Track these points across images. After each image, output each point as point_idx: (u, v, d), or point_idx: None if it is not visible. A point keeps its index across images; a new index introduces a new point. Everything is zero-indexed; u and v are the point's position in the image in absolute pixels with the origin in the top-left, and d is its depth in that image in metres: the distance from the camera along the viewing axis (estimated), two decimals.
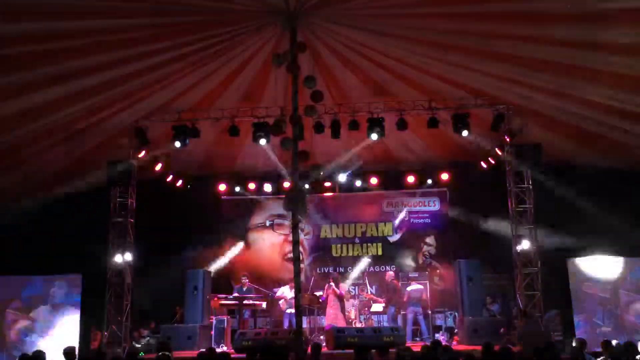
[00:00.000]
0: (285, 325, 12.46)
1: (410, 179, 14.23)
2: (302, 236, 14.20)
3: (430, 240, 14.62)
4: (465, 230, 13.57)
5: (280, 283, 13.74)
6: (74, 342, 11.48)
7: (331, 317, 12.19)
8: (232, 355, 8.24)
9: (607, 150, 11.90)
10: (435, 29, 8.95)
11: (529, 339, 9.59)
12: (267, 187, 14.59)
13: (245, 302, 12.09)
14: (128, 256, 11.58)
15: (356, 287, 14.10)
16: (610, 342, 7.16)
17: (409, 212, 14.85)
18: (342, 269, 14.43)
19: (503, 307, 13.04)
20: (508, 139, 11.41)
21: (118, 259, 11.44)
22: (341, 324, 11.95)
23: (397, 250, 14.65)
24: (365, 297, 13.25)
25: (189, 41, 9.13)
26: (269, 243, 15.09)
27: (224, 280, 14.06)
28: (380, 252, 14.71)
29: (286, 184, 13.58)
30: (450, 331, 12.52)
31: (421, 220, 14.84)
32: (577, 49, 8.80)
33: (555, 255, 11.87)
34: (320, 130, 11.25)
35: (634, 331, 11.40)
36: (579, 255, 11.73)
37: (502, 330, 11.25)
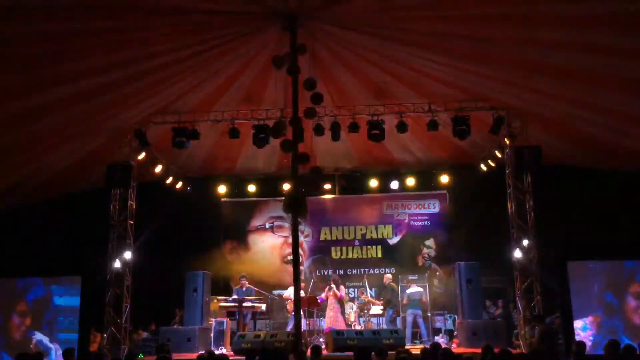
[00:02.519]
0: (290, 327, 12.44)
1: (410, 181, 14.24)
2: (301, 238, 14.21)
3: (429, 242, 14.62)
4: (465, 232, 13.57)
5: (280, 285, 13.74)
6: (73, 343, 11.51)
7: (331, 320, 12.20)
8: (231, 358, 8.25)
9: (606, 152, 11.90)
10: (435, 32, 8.95)
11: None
12: (267, 190, 14.60)
13: (244, 304, 12.10)
14: (128, 258, 11.59)
15: (355, 290, 14.10)
16: (614, 344, 7.11)
17: (409, 215, 14.86)
18: (341, 272, 14.43)
19: (503, 310, 13.04)
20: (508, 142, 11.42)
21: (118, 260, 11.44)
22: (341, 326, 11.95)
23: (396, 252, 14.66)
24: (364, 300, 13.25)
25: (189, 43, 9.14)
26: (268, 245, 15.09)
27: (223, 282, 14.06)
28: (379, 255, 14.71)
29: (286, 186, 13.58)
30: (449, 334, 12.52)
31: (421, 223, 14.84)
32: (576, 52, 8.80)
33: (555, 258, 11.86)
34: (321, 132, 11.26)
35: None
36: (580, 259, 11.73)
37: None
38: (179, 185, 13.94)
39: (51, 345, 11.90)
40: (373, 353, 7.05)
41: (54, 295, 12.33)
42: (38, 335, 12.07)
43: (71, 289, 12.20)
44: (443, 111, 11.16)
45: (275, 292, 13.91)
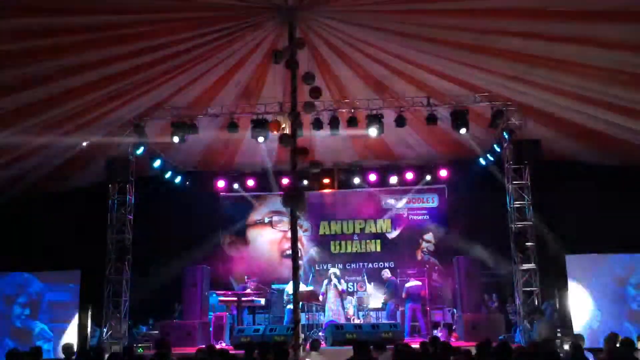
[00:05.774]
0: (285, 321, 12.48)
1: (409, 175, 14.22)
2: (300, 233, 14.22)
3: (428, 236, 14.63)
4: (464, 226, 13.58)
5: (279, 280, 13.77)
6: (73, 338, 11.52)
7: (332, 314, 12.22)
8: (231, 352, 8.26)
9: (605, 146, 11.90)
10: (435, 25, 8.93)
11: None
12: (266, 184, 14.59)
13: (243, 298, 12.12)
14: (127, 252, 11.59)
15: (354, 284, 14.12)
16: (613, 338, 7.12)
17: (408, 209, 14.86)
18: (340, 266, 14.44)
19: (500, 304, 13.07)
20: (507, 136, 11.41)
21: (117, 255, 11.45)
22: (342, 320, 11.99)
23: (395, 246, 14.67)
24: (366, 293, 13.26)
25: (187, 37, 9.11)
26: (267, 239, 15.10)
27: (222, 277, 14.08)
28: (379, 249, 14.72)
29: (285, 181, 13.58)
30: (448, 327, 12.54)
31: (420, 217, 14.85)
32: (575, 46, 8.79)
33: (554, 252, 11.88)
34: (319, 126, 11.24)
35: None
36: (578, 252, 11.74)
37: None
38: (178, 179, 13.93)
39: (52, 334, 11.95)
40: (371, 347, 7.07)
41: (53, 289, 12.34)
42: (40, 325, 12.11)
43: (70, 283, 12.21)
44: (442, 105, 11.15)
45: (274, 286, 13.92)
